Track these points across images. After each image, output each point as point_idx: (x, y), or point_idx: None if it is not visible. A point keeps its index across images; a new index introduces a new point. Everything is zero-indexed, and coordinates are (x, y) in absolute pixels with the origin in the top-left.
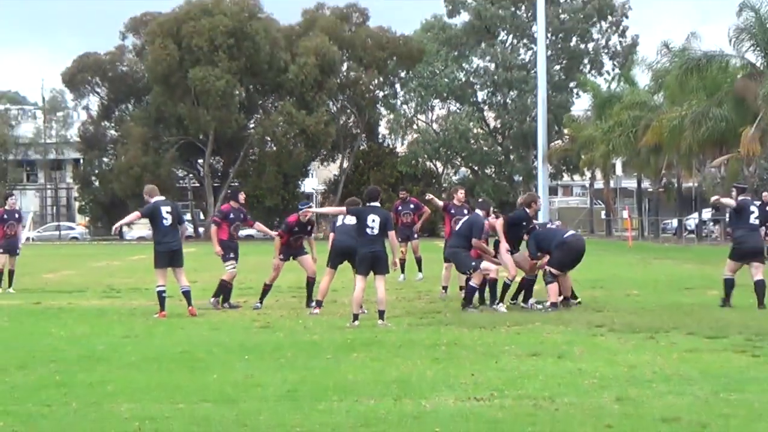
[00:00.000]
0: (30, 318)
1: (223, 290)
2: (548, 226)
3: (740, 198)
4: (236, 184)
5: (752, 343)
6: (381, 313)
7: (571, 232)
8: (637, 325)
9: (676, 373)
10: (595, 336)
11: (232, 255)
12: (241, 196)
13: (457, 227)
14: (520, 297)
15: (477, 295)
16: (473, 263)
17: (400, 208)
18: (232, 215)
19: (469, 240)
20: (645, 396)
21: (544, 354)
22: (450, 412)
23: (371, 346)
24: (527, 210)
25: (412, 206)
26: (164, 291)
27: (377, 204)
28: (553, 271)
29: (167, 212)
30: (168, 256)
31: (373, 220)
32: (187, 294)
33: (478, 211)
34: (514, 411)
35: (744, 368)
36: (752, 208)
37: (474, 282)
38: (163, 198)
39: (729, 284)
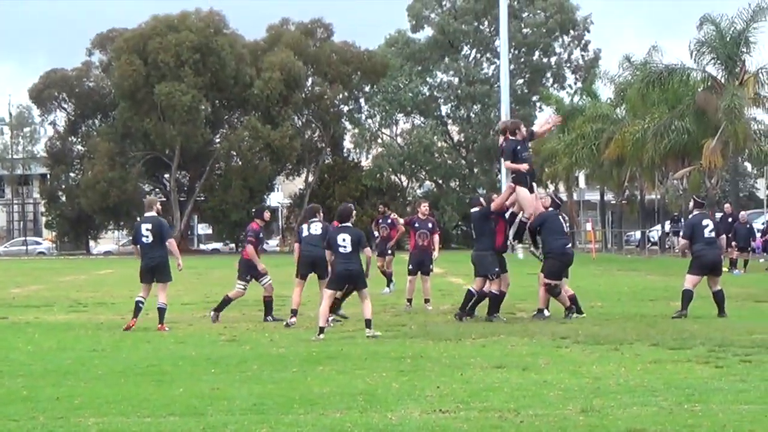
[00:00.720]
0: None
1: (268, 306)
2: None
3: (690, 216)
4: (202, 198)
5: (715, 354)
6: (368, 322)
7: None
8: (602, 337)
9: (640, 384)
10: (559, 348)
11: (248, 274)
12: (266, 215)
13: (475, 231)
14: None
15: (471, 303)
16: (496, 269)
17: (380, 221)
18: (261, 234)
19: (494, 240)
20: (610, 407)
21: (509, 366)
22: (416, 425)
23: (337, 359)
24: (514, 137)
25: (389, 221)
26: (142, 301)
27: (348, 224)
28: (549, 281)
29: (147, 229)
30: (149, 272)
31: (344, 239)
32: (161, 311)
33: (475, 208)
34: (480, 423)
35: (707, 379)
36: (705, 222)
37: (494, 288)
38: (152, 215)
39: (687, 296)
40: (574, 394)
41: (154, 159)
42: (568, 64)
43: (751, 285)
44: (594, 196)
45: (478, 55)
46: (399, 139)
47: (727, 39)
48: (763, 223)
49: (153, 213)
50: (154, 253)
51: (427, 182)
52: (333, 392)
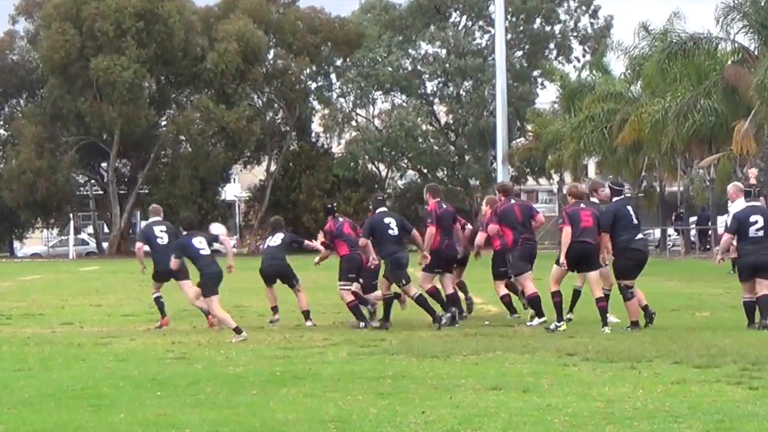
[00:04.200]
0: None
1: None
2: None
3: (740, 210)
4: (146, 191)
5: (749, 373)
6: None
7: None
8: (615, 353)
9: (661, 408)
10: (566, 366)
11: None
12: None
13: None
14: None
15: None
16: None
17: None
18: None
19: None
20: None
21: (506, 387)
22: None
23: (305, 380)
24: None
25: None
26: (161, 296)
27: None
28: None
29: (161, 231)
30: (167, 273)
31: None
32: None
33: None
34: None
35: (740, 402)
36: (753, 218)
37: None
38: (159, 219)
39: (748, 307)
40: (583, 420)
41: (90, 145)
42: (575, 34)
43: None
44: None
45: (470, 23)
46: (377, 122)
47: (761, 3)
48: None
49: (159, 218)
50: (171, 254)
51: (410, 171)
52: (300, 419)
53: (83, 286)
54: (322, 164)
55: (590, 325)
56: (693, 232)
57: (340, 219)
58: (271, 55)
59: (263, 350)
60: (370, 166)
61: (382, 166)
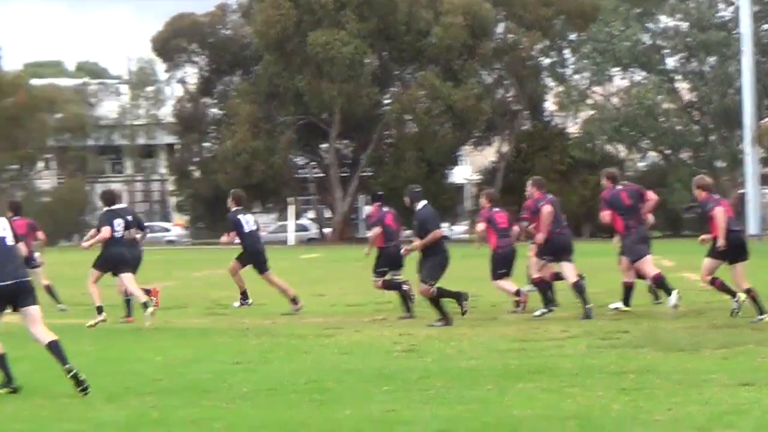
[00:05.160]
0: (119, 341)
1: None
2: None
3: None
4: (369, 174)
5: None
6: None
7: None
8: None
9: None
10: None
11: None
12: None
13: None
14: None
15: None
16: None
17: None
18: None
19: None
20: None
21: (759, 383)
22: None
23: (542, 374)
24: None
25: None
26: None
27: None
28: None
29: (246, 222)
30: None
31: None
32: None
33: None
34: None
35: None
36: None
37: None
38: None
39: None
40: None
41: (309, 125)
42: None
43: None
44: None
45: None
46: (614, 100)
47: None
48: None
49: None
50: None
51: (651, 153)
52: (537, 415)
53: (304, 274)
54: (557, 145)
55: None
56: None
57: (385, 209)
58: (500, 30)
59: (497, 343)
60: (607, 146)
61: (620, 147)
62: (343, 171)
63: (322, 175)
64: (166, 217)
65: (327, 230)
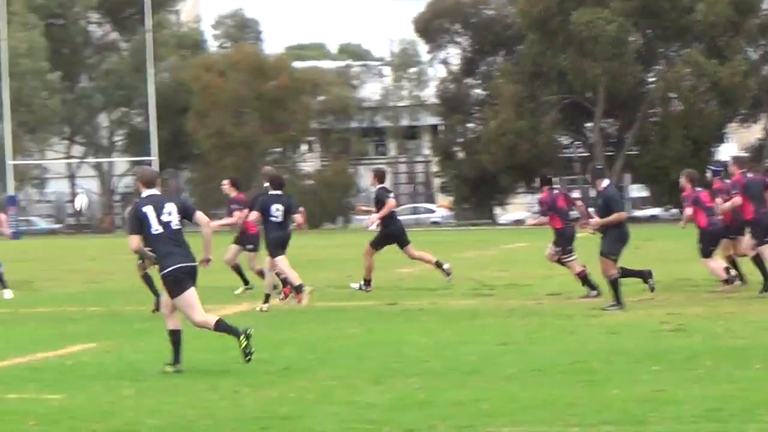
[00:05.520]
0: (384, 322)
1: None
2: None
3: None
4: (634, 152)
5: None
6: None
7: None
8: None
9: None
10: None
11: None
12: None
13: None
14: None
15: None
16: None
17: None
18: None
19: None
20: None
21: None
22: None
23: None
24: None
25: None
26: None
27: (280, 192)
28: None
29: (277, 209)
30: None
31: (277, 209)
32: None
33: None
34: None
35: None
36: None
37: None
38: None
39: None
40: None
41: (572, 104)
42: None
43: None
44: None
45: None
46: None
47: None
48: None
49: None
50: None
51: None
52: None
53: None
54: None
55: None
56: None
57: (555, 191)
58: (765, 5)
59: (766, 322)
60: None
61: None
62: (607, 150)
63: (586, 154)
64: (430, 199)
65: (591, 209)
